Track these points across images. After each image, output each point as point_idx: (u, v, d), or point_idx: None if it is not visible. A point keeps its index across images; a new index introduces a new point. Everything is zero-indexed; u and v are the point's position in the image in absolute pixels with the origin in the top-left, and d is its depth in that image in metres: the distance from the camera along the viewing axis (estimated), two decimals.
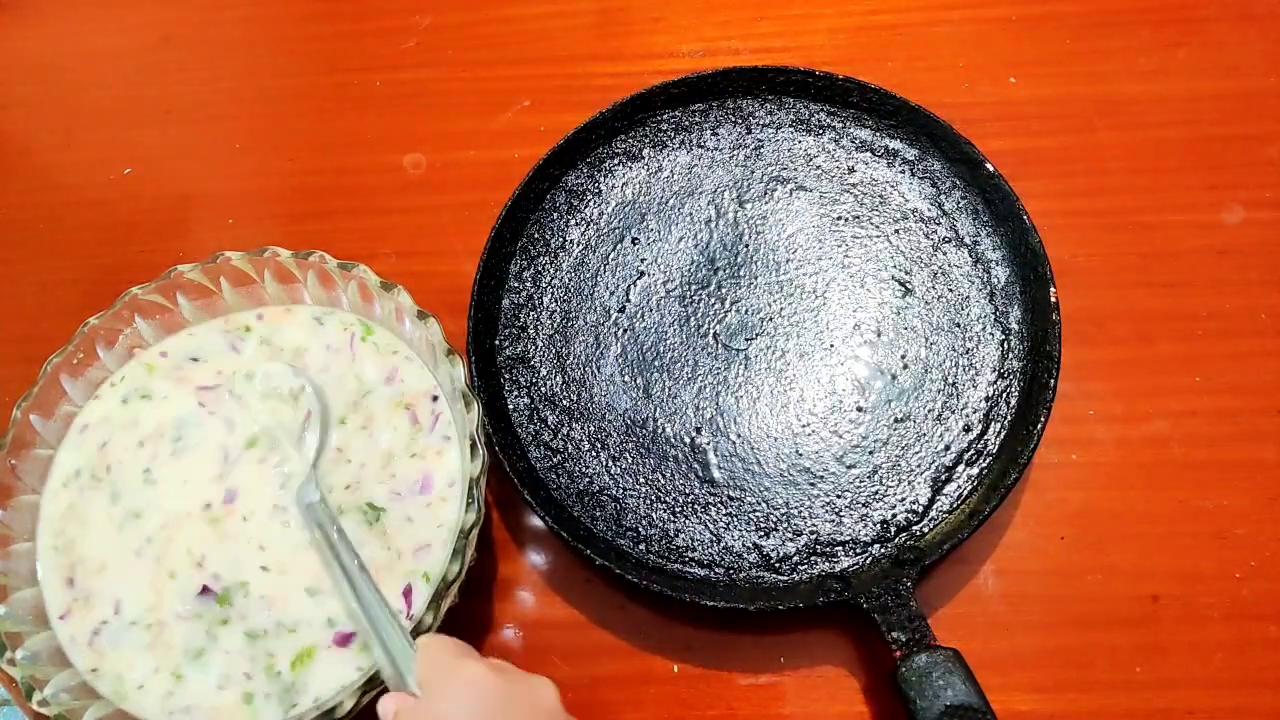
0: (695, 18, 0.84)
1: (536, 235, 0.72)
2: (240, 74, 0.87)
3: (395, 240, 0.76)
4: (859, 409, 0.64)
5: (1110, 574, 0.60)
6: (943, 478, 0.61)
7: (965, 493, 0.60)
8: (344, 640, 0.55)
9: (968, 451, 0.62)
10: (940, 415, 0.63)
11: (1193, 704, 0.56)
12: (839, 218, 0.70)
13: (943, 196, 0.69)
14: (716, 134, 0.74)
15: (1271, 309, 0.66)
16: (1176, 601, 0.59)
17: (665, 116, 0.75)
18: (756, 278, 0.68)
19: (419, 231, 0.77)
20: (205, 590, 0.56)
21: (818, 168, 0.72)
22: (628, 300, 0.69)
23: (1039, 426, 0.59)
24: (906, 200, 0.70)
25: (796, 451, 0.63)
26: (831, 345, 0.66)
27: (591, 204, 0.72)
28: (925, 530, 0.60)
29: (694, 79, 0.74)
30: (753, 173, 0.72)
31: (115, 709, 0.54)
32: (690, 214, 0.71)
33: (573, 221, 0.72)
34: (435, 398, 0.61)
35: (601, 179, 0.73)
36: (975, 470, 0.61)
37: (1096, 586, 0.59)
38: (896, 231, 0.69)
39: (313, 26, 0.89)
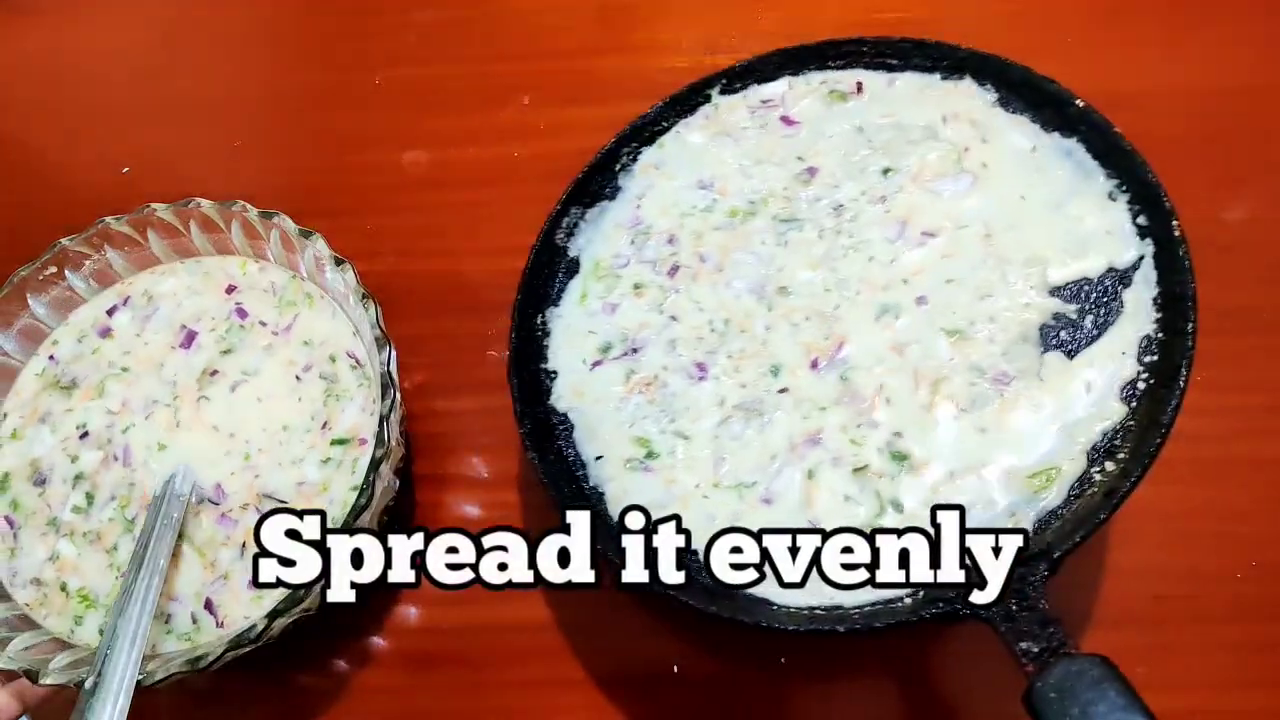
0: (695, 12, 0.83)
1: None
2: (239, 72, 0.87)
3: (396, 239, 0.76)
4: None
5: (1112, 573, 0.59)
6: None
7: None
8: None
9: None
10: None
11: (1195, 704, 0.56)
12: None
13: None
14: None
15: (1275, 306, 0.66)
16: (1179, 601, 0.58)
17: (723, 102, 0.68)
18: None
19: (420, 230, 0.76)
20: None
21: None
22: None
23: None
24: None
25: None
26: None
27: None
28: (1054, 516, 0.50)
29: (749, 63, 0.68)
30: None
31: (43, 640, 0.56)
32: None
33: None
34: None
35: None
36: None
37: (1098, 586, 0.59)
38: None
39: (311, 24, 0.89)
